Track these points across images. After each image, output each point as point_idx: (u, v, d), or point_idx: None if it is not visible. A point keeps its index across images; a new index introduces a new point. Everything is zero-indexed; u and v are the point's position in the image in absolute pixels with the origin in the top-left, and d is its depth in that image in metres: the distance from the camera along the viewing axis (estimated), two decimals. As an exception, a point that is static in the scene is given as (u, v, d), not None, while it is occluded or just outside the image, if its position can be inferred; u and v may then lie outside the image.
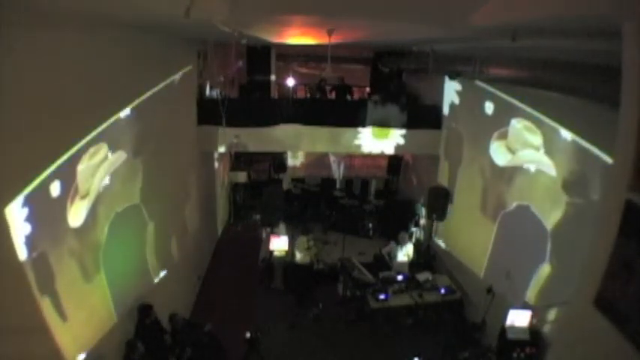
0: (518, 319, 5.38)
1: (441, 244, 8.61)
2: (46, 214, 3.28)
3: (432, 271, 7.71)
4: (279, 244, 8.04)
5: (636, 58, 2.43)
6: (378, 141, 8.59)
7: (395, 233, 7.98)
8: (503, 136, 6.38)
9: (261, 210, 9.35)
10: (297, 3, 3.28)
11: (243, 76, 10.37)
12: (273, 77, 10.57)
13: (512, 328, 5.38)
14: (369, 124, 8.44)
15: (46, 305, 3.25)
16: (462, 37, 4.81)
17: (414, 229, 9.58)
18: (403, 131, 8.53)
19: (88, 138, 3.82)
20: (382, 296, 6.78)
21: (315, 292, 7.73)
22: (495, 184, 6.63)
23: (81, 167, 3.73)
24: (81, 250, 3.78)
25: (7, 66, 2.71)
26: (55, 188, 3.35)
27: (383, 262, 7.93)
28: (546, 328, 5.20)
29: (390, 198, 11.44)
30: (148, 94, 5.25)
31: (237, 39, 5.36)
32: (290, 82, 10.90)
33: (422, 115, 8.73)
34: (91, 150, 3.89)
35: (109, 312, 4.36)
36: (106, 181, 4.27)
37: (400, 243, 7.75)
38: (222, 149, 8.12)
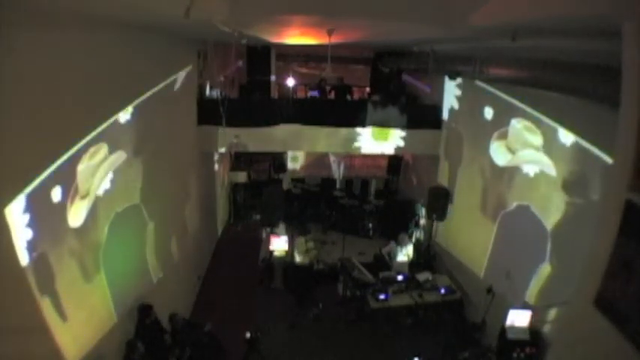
0: (518, 319, 5.38)
1: (441, 244, 8.61)
2: (46, 214, 3.27)
3: (432, 271, 7.70)
4: (279, 244, 8.06)
5: (636, 58, 2.44)
6: (377, 141, 8.59)
7: (395, 233, 7.98)
8: (503, 136, 6.39)
9: (261, 210, 9.33)
10: (297, 3, 3.29)
11: (243, 76, 10.37)
12: (273, 77, 10.57)
13: (512, 328, 5.38)
14: (369, 124, 8.45)
15: (46, 305, 3.24)
16: (462, 37, 4.81)
17: (414, 229, 9.58)
18: (403, 131, 8.53)
19: (88, 138, 3.82)
20: (382, 296, 6.78)
21: (315, 292, 7.73)
22: (495, 184, 6.63)
23: (81, 167, 3.73)
24: (81, 250, 3.78)
25: (7, 66, 2.71)
26: (55, 188, 3.35)
27: (383, 262, 7.94)
28: (546, 328, 5.20)
29: (390, 198, 11.43)
30: (148, 94, 5.25)
31: (237, 39, 5.36)
32: (290, 82, 10.90)
33: (422, 115, 8.74)
34: (91, 150, 3.89)
35: (109, 312, 4.36)
36: (106, 181, 4.27)
37: (400, 243, 7.75)
38: (222, 149, 8.12)
